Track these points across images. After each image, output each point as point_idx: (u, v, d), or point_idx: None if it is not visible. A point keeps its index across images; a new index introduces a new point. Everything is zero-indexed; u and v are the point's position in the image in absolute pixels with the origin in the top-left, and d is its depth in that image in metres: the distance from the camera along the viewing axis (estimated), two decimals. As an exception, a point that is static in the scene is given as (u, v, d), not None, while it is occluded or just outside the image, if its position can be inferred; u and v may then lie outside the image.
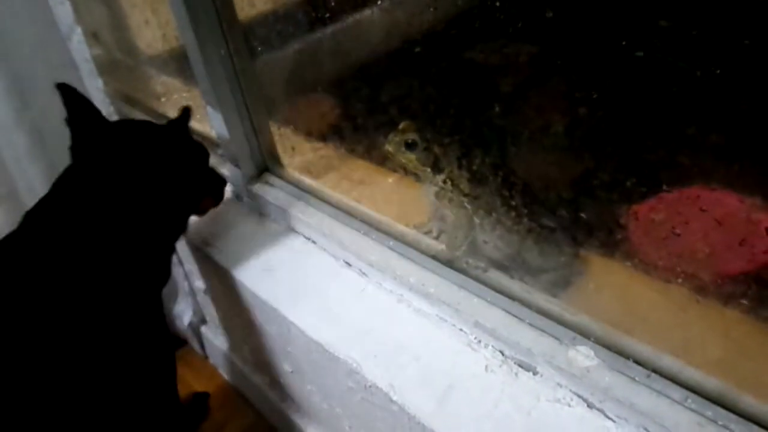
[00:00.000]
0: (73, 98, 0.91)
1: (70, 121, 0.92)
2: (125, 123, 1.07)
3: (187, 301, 1.38)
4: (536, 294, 0.76)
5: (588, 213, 1.08)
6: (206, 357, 1.45)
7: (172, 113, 1.10)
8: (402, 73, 1.49)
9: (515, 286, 0.78)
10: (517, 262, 0.90)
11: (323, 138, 1.38)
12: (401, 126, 0.96)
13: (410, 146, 0.92)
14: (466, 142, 1.13)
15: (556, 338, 0.72)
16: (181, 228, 1.01)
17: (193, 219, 1.11)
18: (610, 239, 0.97)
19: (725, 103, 0.82)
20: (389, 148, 0.91)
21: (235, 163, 1.13)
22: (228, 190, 1.19)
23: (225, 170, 1.19)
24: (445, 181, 0.93)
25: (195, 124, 1.34)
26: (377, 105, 1.63)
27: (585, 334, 0.71)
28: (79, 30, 1.37)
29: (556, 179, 1.31)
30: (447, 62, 1.36)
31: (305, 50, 1.52)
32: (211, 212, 1.14)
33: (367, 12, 1.48)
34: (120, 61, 1.57)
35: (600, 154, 1.36)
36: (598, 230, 0.98)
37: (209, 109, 1.08)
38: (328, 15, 1.55)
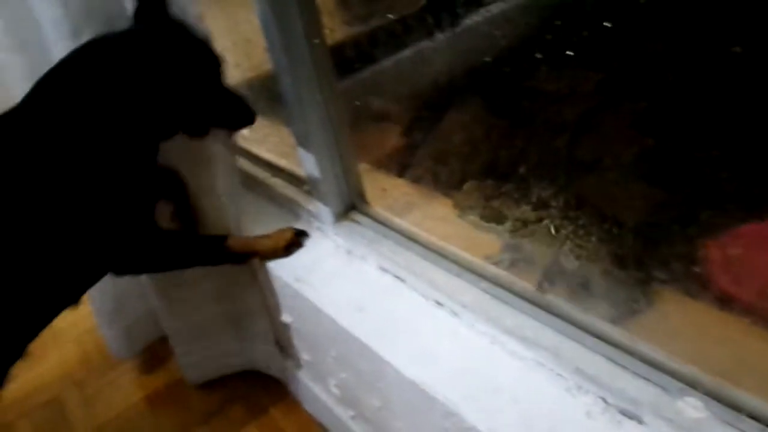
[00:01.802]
0: None
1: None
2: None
3: (266, 331, 1.42)
4: (639, 342, 0.76)
5: (663, 247, 1.07)
6: (287, 387, 1.49)
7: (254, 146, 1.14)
8: (465, 102, 1.52)
9: (616, 332, 0.78)
10: (591, 294, 0.90)
11: (387, 166, 1.41)
12: (465, 187, 1.02)
13: (473, 209, 0.97)
14: (530, 181, 1.15)
15: (663, 387, 0.72)
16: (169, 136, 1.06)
17: (287, 258, 1.17)
18: (692, 274, 0.96)
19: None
20: (456, 209, 0.97)
21: (324, 202, 1.17)
22: (315, 226, 1.23)
23: (311, 207, 1.24)
24: (511, 229, 0.97)
25: (282, 161, 1.40)
26: (441, 136, 1.66)
27: (692, 385, 0.70)
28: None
29: (628, 210, 1.31)
30: (510, 90, 1.38)
31: (368, 81, 1.57)
32: (300, 250, 1.19)
33: (428, 42, 1.52)
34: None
35: (673, 184, 1.35)
36: (675, 264, 0.97)
37: (301, 150, 1.12)
38: (390, 47, 1.59)
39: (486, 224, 1.04)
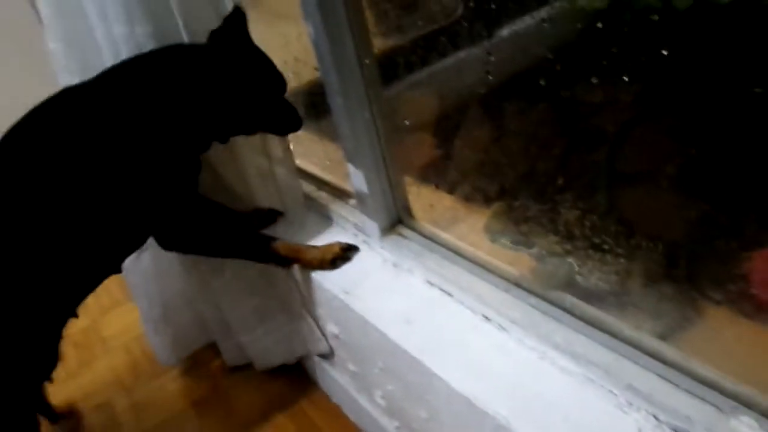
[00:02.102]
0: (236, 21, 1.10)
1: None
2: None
3: (312, 335, 1.46)
4: (691, 360, 0.76)
5: (709, 261, 1.07)
6: (328, 395, 1.52)
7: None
8: (501, 113, 1.53)
9: (668, 350, 0.79)
10: (638, 309, 0.91)
11: (423, 178, 1.43)
12: (493, 209, 1.03)
13: (503, 234, 0.99)
14: (568, 197, 1.16)
15: (716, 406, 0.72)
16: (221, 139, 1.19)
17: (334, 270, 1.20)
18: (737, 289, 0.96)
19: None
20: (486, 233, 0.99)
21: (371, 216, 1.19)
22: (361, 240, 1.26)
23: (357, 221, 1.27)
24: (543, 249, 0.99)
25: (329, 176, 1.44)
26: (476, 147, 1.67)
27: (747, 404, 0.71)
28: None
29: (670, 224, 1.30)
30: (547, 101, 1.38)
31: (403, 92, 1.59)
32: (348, 264, 1.22)
33: (463, 53, 1.54)
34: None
35: (715, 197, 1.34)
36: (720, 279, 0.97)
37: (351, 167, 1.15)
38: (425, 58, 1.61)
39: (515, 248, 1.05)
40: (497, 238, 1.05)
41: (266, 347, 1.55)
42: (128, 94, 1.06)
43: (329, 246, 1.23)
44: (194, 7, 1.14)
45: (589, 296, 0.94)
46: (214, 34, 1.09)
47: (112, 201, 1.07)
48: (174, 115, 1.07)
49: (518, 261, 1.07)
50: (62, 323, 1.17)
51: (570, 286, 0.93)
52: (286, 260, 1.26)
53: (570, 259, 0.97)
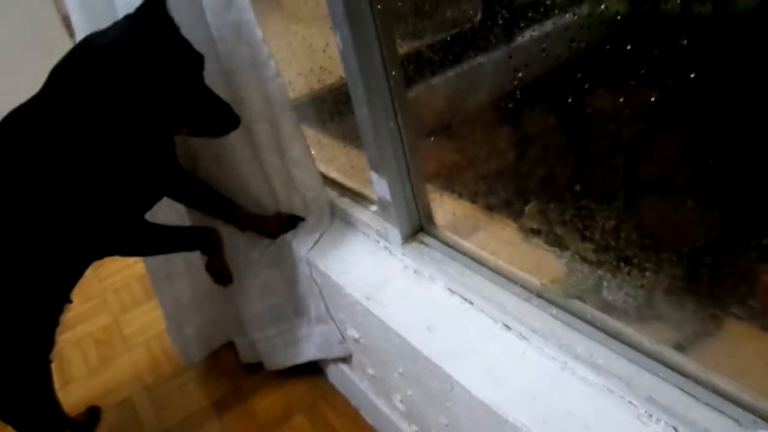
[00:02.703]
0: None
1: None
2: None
3: (332, 338, 1.48)
4: (712, 373, 0.78)
5: (723, 272, 1.08)
6: (346, 398, 1.54)
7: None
8: (520, 119, 1.54)
9: (688, 363, 0.80)
10: (656, 320, 0.92)
11: (444, 184, 1.44)
12: (527, 210, 1.04)
13: (535, 233, 1.00)
14: (589, 205, 1.17)
15: (735, 420, 0.73)
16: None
17: (355, 276, 1.22)
18: (755, 303, 0.96)
19: None
20: (519, 233, 1.00)
21: (393, 224, 1.21)
22: (383, 246, 1.28)
23: (380, 227, 1.29)
24: (573, 254, 1.00)
25: (350, 181, 1.46)
26: (497, 153, 1.68)
27: (765, 419, 0.72)
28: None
29: (687, 234, 1.31)
30: (564, 107, 1.39)
31: (423, 96, 1.60)
32: (369, 268, 1.24)
33: (482, 58, 1.55)
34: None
35: (731, 206, 1.34)
36: (738, 292, 0.98)
37: (374, 174, 1.17)
38: (444, 62, 1.63)
39: (549, 248, 1.06)
40: (531, 237, 1.05)
41: (275, 347, 1.58)
42: (53, 109, 1.08)
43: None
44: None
45: (610, 307, 0.96)
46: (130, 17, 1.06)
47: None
48: (96, 115, 1.07)
49: (540, 269, 1.08)
50: (56, 309, 1.27)
51: (595, 296, 0.94)
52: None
53: (600, 271, 0.98)
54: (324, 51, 1.29)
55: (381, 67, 1.06)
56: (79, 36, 1.27)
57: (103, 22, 1.09)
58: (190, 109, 1.09)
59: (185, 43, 1.08)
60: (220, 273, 1.41)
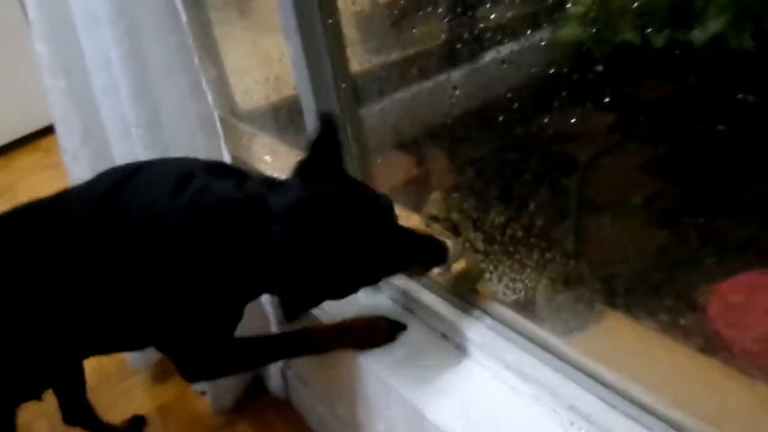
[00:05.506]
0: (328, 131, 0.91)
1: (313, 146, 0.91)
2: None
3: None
4: (629, 384, 0.81)
5: (665, 290, 1.12)
6: (294, 407, 1.55)
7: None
8: (479, 136, 1.59)
9: (611, 375, 0.84)
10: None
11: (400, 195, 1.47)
12: (431, 198, 1.07)
13: (433, 219, 1.03)
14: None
15: (649, 429, 0.77)
16: None
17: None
18: (690, 319, 1.01)
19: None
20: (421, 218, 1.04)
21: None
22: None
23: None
24: (464, 243, 1.03)
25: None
26: (454, 168, 1.73)
27: (677, 428, 0.76)
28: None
29: (633, 252, 1.36)
30: (522, 128, 1.44)
31: (386, 110, 1.64)
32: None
33: (445, 76, 1.59)
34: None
35: (680, 228, 1.40)
36: (677, 309, 1.02)
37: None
38: (408, 78, 1.66)
39: (445, 232, 1.07)
40: (427, 221, 1.07)
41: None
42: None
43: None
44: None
45: (537, 316, 0.99)
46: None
47: None
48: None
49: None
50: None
51: (526, 306, 0.97)
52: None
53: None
54: (280, 61, 1.31)
55: (331, 79, 1.08)
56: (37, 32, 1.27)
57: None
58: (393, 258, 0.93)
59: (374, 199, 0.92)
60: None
